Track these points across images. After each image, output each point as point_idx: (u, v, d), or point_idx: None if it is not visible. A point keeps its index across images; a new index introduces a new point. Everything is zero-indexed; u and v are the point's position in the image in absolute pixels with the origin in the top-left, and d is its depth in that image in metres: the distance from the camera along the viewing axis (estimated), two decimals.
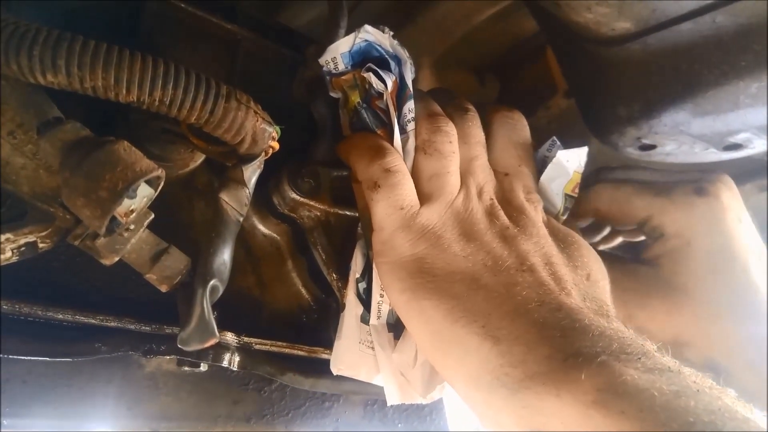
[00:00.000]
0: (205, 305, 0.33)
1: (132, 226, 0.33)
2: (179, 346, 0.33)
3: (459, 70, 0.56)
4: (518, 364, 0.29)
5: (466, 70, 0.57)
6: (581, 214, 0.42)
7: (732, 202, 0.44)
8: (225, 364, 0.38)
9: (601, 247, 0.50)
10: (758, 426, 0.25)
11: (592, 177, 0.42)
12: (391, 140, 0.37)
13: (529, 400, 0.28)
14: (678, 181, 0.45)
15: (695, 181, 0.45)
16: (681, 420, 0.25)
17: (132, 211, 0.31)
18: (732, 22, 0.34)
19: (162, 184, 0.33)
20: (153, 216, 0.33)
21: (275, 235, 0.43)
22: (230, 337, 0.38)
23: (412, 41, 0.51)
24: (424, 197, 0.36)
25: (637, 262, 0.47)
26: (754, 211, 0.46)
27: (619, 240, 0.50)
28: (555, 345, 0.29)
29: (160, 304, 0.36)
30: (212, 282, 0.33)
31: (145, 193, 0.32)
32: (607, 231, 0.50)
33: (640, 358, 0.28)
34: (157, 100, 0.31)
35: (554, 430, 0.28)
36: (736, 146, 0.42)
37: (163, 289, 0.34)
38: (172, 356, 0.37)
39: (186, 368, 0.37)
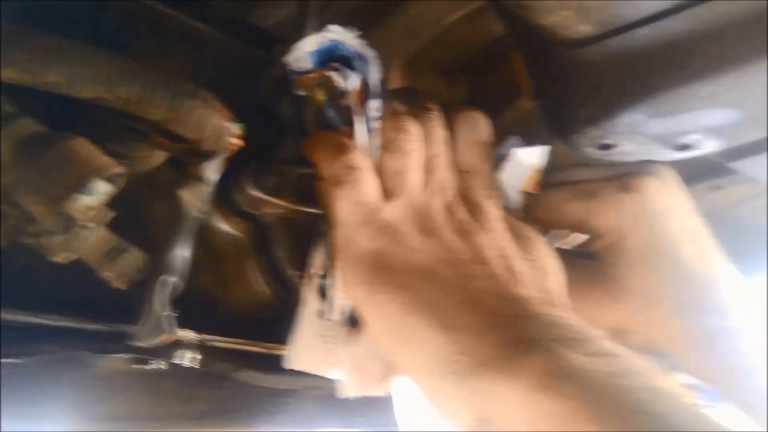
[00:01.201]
0: (160, 301, 0.33)
1: (89, 224, 0.32)
2: (132, 342, 0.32)
3: (429, 71, 0.57)
4: (469, 352, 0.30)
5: (436, 71, 0.58)
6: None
7: (656, 193, 0.46)
8: (182, 361, 0.37)
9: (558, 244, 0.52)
10: (687, 401, 0.27)
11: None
12: (355, 139, 0.37)
13: (479, 387, 0.29)
14: (608, 177, 0.47)
15: (624, 176, 0.46)
16: (618, 398, 0.26)
17: (89, 209, 0.31)
18: (685, 28, 0.36)
19: (122, 181, 0.33)
20: (112, 214, 0.33)
21: (237, 232, 0.43)
22: (188, 335, 0.38)
23: (382, 42, 0.51)
24: (386, 193, 0.37)
25: (581, 256, 0.48)
26: (705, 211, 0.47)
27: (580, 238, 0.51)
28: (505, 333, 0.30)
29: (115, 301, 0.36)
30: (168, 278, 0.33)
31: (103, 191, 0.31)
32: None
33: (584, 344, 0.30)
34: (119, 97, 0.31)
35: (504, 415, 0.29)
36: (688, 147, 0.43)
37: (120, 286, 0.34)
38: (126, 355, 0.36)
39: (140, 367, 0.37)
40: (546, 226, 0.50)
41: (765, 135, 0.43)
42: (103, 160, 0.30)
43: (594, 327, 0.33)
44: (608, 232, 0.46)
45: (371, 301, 0.34)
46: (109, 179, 0.31)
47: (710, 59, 0.36)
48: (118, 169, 0.30)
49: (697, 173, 0.59)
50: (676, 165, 0.48)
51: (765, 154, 0.50)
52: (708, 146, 0.44)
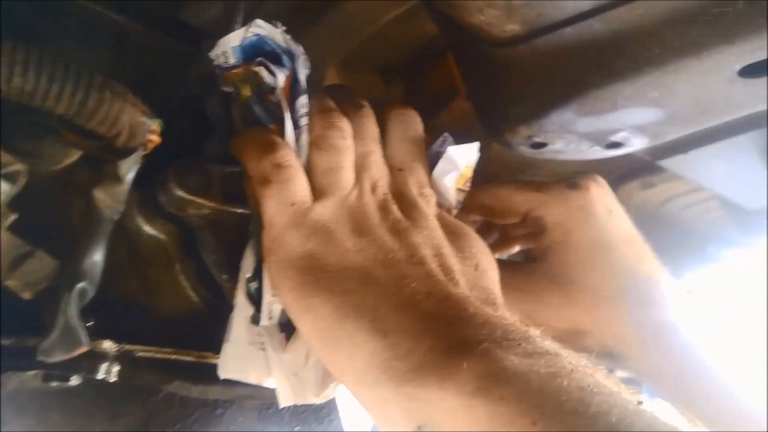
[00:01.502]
0: (71, 311, 0.30)
1: None
2: (40, 357, 0.30)
3: (365, 71, 0.57)
4: (404, 357, 0.29)
5: (373, 71, 0.57)
6: (467, 209, 0.44)
7: (601, 194, 0.48)
8: (101, 375, 0.35)
9: (498, 255, 0.52)
10: (622, 398, 0.27)
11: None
12: (283, 136, 0.36)
13: (414, 393, 0.28)
14: (554, 178, 0.49)
15: (569, 178, 0.48)
16: (555, 399, 0.26)
17: None
18: (607, 28, 0.36)
19: (23, 180, 0.30)
20: (14, 215, 0.31)
21: (162, 235, 0.41)
22: (108, 346, 0.35)
23: (318, 41, 0.51)
24: (317, 193, 0.35)
25: (527, 261, 0.49)
26: (638, 208, 0.49)
27: (516, 248, 0.52)
28: (440, 335, 0.30)
29: (22, 313, 0.33)
30: (80, 285, 0.31)
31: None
32: (495, 236, 0.53)
33: (520, 344, 0.29)
34: (14, 88, 0.29)
35: (440, 422, 0.28)
36: (617, 144, 0.44)
37: (26, 296, 0.31)
38: (39, 371, 0.33)
39: (54, 383, 0.34)
40: (494, 216, 0.50)
41: (686, 133, 0.45)
42: None
43: (550, 332, 0.32)
44: (555, 227, 0.47)
45: (303, 305, 0.33)
46: (7, 177, 0.29)
47: (631, 59, 0.38)
48: (16, 166, 0.28)
49: (630, 171, 0.61)
50: (610, 163, 0.49)
51: (691, 151, 0.53)
52: (636, 144, 0.45)
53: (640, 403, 0.27)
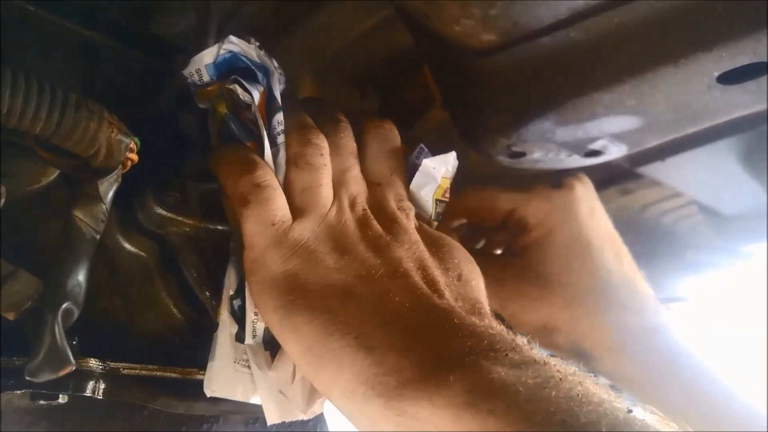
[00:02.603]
0: (56, 331, 0.30)
1: None
2: (28, 377, 0.30)
3: (340, 83, 0.56)
4: (392, 372, 0.29)
5: (348, 83, 0.57)
6: (453, 214, 0.44)
7: (585, 194, 0.49)
8: (88, 393, 0.35)
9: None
10: (612, 406, 0.27)
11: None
12: (261, 153, 0.36)
13: (403, 408, 0.29)
14: (537, 176, 0.49)
15: (554, 177, 0.49)
16: (543, 411, 0.26)
17: None
18: (584, 37, 0.37)
19: (2, 201, 0.30)
20: None
21: (142, 253, 0.40)
22: (93, 364, 0.35)
23: (291, 53, 0.51)
24: (296, 211, 0.36)
25: (507, 255, 0.50)
26: (617, 214, 0.50)
27: (498, 251, 0.53)
28: (426, 349, 0.30)
29: (5, 334, 0.33)
30: (65, 305, 0.31)
31: None
32: (482, 243, 0.53)
33: (507, 354, 0.29)
34: None
35: None
36: (595, 153, 0.45)
37: (10, 317, 0.31)
38: (25, 390, 0.33)
39: (42, 402, 0.34)
40: (479, 218, 0.51)
41: (665, 140, 0.46)
42: None
43: (520, 326, 0.32)
44: (537, 225, 0.48)
45: (287, 325, 0.33)
46: None
47: (609, 68, 0.38)
48: None
49: (608, 178, 0.62)
50: (588, 170, 0.50)
51: (668, 158, 0.53)
52: (614, 152, 0.46)
53: (630, 411, 0.27)
